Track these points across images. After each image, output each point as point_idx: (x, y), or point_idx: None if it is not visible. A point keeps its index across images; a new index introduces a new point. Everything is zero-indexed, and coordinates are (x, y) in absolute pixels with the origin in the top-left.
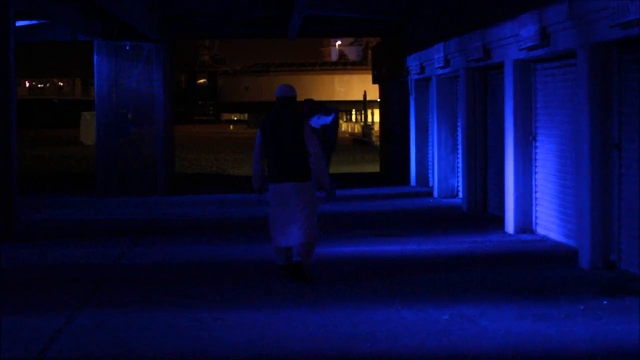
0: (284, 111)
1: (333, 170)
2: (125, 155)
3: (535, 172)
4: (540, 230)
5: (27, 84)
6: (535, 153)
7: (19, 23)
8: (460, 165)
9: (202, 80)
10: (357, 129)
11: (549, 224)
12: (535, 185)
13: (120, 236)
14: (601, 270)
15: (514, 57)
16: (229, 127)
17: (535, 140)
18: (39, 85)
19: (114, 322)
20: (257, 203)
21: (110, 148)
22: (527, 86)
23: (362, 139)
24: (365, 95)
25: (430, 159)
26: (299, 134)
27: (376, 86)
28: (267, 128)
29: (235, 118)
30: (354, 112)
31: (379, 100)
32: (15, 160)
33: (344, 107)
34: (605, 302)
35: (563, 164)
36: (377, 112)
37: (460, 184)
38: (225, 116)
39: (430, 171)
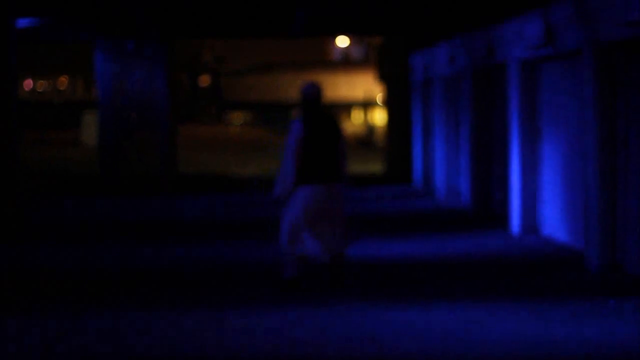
0: (320, 110)
1: None
2: (127, 155)
3: (541, 173)
4: (546, 231)
5: (29, 85)
6: (540, 153)
7: (21, 23)
8: (464, 165)
9: (204, 80)
10: (361, 128)
11: (554, 224)
12: (541, 185)
13: (123, 237)
14: (607, 271)
15: (518, 55)
16: (232, 126)
17: (541, 140)
18: (41, 86)
19: (116, 323)
20: (277, 204)
21: (112, 148)
22: (532, 85)
23: (365, 139)
24: (368, 95)
25: (434, 159)
26: (337, 133)
27: (380, 85)
28: (310, 127)
29: (238, 117)
30: (357, 111)
31: (382, 99)
32: (18, 160)
33: (347, 106)
34: (611, 303)
35: (568, 164)
36: (380, 111)
37: (464, 183)
38: (228, 116)
39: (434, 171)
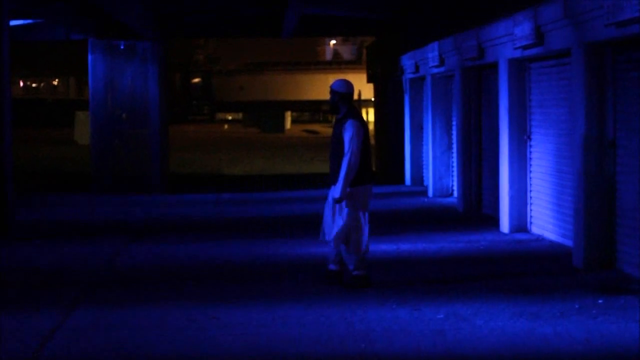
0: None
1: (328, 168)
2: (120, 154)
3: (530, 171)
4: (536, 230)
5: (22, 84)
6: (530, 152)
7: (13, 22)
8: (455, 164)
9: (196, 80)
10: None
11: (544, 223)
12: (530, 184)
13: (115, 235)
14: (596, 269)
15: (508, 56)
16: (224, 126)
17: (530, 139)
18: (34, 85)
19: (109, 321)
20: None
21: (105, 147)
22: (521, 85)
23: None
24: (359, 95)
25: (424, 158)
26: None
27: (371, 85)
28: (364, 127)
29: (230, 117)
30: None
31: (373, 99)
32: (11, 159)
33: None
34: (600, 301)
35: (558, 163)
36: (371, 111)
37: (455, 183)
38: (220, 115)
39: (424, 170)
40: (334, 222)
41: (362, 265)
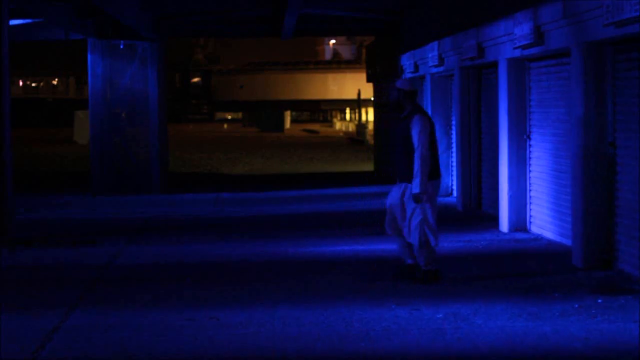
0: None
1: (327, 168)
2: (119, 154)
3: (530, 171)
4: (535, 229)
5: (21, 83)
6: (530, 152)
7: (13, 22)
8: (454, 163)
9: (196, 79)
10: (352, 127)
11: (543, 222)
12: (530, 184)
13: (115, 235)
14: (595, 268)
15: (508, 55)
16: (223, 126)
17: (530, 139)
18: (33, 85)
19: (108, 322)
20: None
21: (105, 147)
22: (521, 85)
23: (356, 138)
24: (359, 94)
25: None
26: None
27: (370, 85)
28: (431, 123)
29: (230, 117)
30: (348, 110)
31: (373, 99)
32: (10, 159)
33: (338, 105)
34: (599, 301)
35: (557, 163)
36: (371, 110)
37: (454, 182)
38: (219, 115)
39: None
40: (409, 218)
41: (432, 260)
